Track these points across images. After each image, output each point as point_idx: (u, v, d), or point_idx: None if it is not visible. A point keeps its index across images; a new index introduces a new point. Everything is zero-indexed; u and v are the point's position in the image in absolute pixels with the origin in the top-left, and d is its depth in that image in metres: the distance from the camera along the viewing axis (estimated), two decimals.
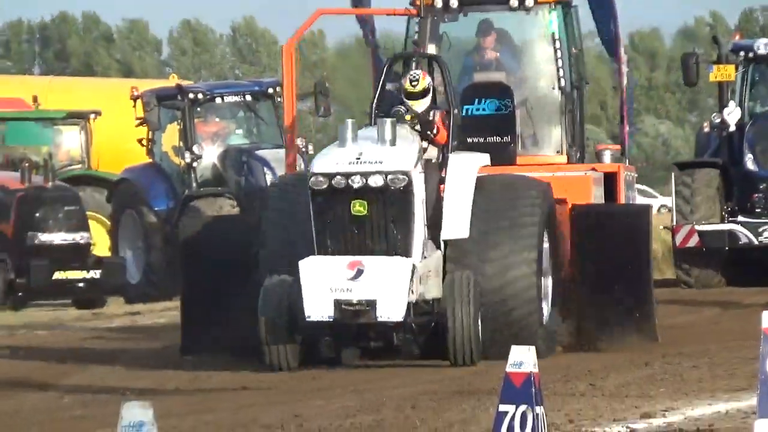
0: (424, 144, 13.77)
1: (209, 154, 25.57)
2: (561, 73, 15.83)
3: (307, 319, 12.44)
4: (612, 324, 14.24)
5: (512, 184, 14.17)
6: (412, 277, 12.40)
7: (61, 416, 10.65)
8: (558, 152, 15.97)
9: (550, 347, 13.70)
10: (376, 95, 14.29)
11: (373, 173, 12.74)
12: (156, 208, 25.45)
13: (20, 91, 32.15)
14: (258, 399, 11.19)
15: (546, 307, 14.14)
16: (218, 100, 25.98)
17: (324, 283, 12.47)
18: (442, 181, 13.66)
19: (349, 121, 13.13)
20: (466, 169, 13.86)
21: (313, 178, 12.94)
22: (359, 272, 12.51)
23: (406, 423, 9.08)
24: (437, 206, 13.60)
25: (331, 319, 12.49)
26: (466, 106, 15.66)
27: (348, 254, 12.69)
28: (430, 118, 13.92)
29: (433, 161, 13.78)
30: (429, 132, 13.83)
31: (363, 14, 16.78)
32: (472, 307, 12.57)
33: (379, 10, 16.86)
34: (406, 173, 12.81)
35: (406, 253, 12.78)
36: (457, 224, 13.50)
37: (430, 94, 14.01)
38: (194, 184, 24.85)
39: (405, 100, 13.93)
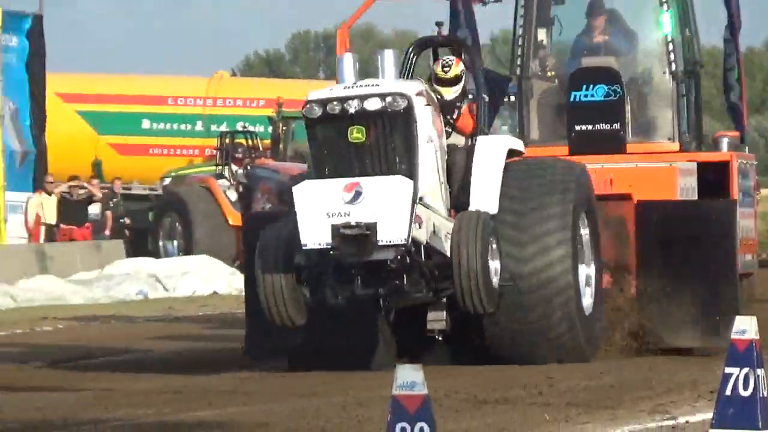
0: (447, 129, 13.51)
1: None
2: (673, 57, 15.46)
3: (303, 248, 11.96)
4: (682, 330, 13.92)
5: (542, 166, 13.92)
6: (414, 199, 11.96)
7: None
8: (670, 139, 15.58)
9: (595, 339, 13.44)
10: (408, 71, 13.97)
11: (370, 96, 12.33)
12: None
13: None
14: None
15: (589, 297, 13.68)
16: None
17: (320, 208, 12.02)
18: (470, 166, 13.34)
19: (349, 55, 12.95)
20: (494, 149, 13.47)
21: (307, 106, 12.52)
22: (357, 194, 12.03)
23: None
24: (465, 189, 13.25)
25: (329, 246, 11.93)
26: (574, 92, 15.49)
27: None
28: (458, 105, 13.71)
29: (460, 146, 13.55)
30: (450, 117, 13.57)
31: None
32: (479, 244, 12.04)
33: None
34: (405, 95, 12.36)
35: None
36: (484, 202, 13.11)
37: (462, 82, 13.79)
38: None
39: (435, 85, 13.66)
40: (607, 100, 15.27)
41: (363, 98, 12.26)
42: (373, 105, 12.19)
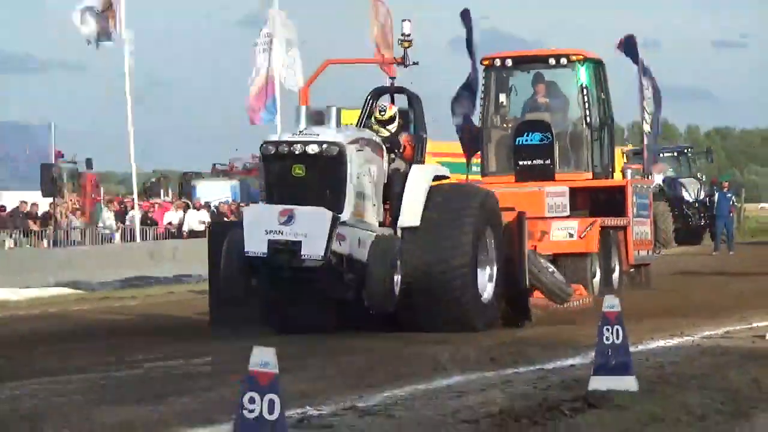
0: (393, 157, 15.86)
1: None
2: (587, 113, 19.64)
3: (246, 254, 14.13)
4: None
5: (458, 189, 16.58)
6: (333, 225, 13.99)
7: None
8: (585, 170, 19.69)
9: (487, 318, 15.62)
10: (362, 119, 16.54)
11: (311, 143, 14.47)
12: None
13: None
14: None
15: (490, 290, 15.88)
16: None
17: (260, 225, 14.22)
18: (404, 187, 15.69)
19: (303, 107, 15.31)
20: (422, 176, 15.91)
21: (264, 146, 14.88)
22: (290, 218, 14.13)
23: None
24: (398, 203, 15.64)
25: (265, 255, 14.12)
26: (518, 138, 19.58)
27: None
28: (399, 140, 16.05)
29: (401, 171, 15.82)
30: (397, 150, 16.05)
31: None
32: (388, 263, 14.29)
33: None
34: (338, 144, 14.48)
35: (337, 210, 14.35)
36: (411, 215, 15.50)
37: (396, 121, 16.24)
38: None
39: (376, 125, 16.22)
40: (541, 143, 19.42)
41: (305, 144, 14.53)
42: (312, 149, 14.48)
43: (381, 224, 15.51)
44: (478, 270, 15.74)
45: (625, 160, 36.70)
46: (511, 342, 14.33)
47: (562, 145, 19.89)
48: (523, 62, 20.48)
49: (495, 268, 15.99)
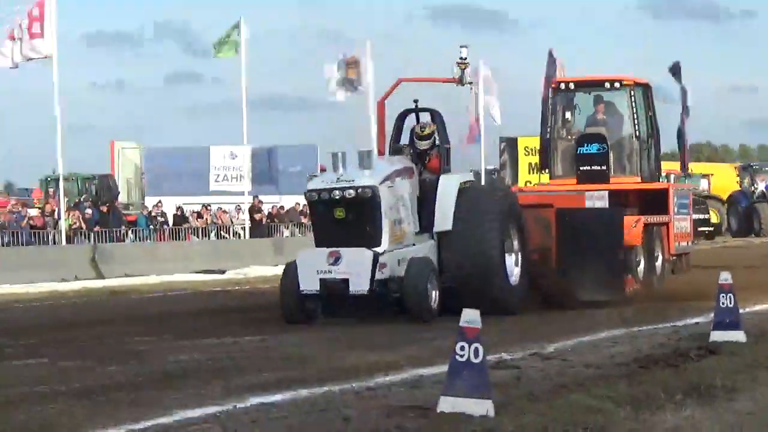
0: (421, 169, 17.40)
1: None
2: (636, 128, 22.37)
3: (301, 292, 15.80)
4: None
5: (482, 191, 18.40)
6: (375, 262, 15.50)
7: None
8: (635, 175, 22.46)
9: (514, 302, 17.09)
10: (392, 136, 18.22)
11: (348, 188, 15.90)
12: None
13: None
14: None
15: (516, 274, 17.44)
16: None
17: (313, 267, 15.83)
18: (434, 196, 17.11)
19: (339, 153, 16.32)
20: (450, 183, 17.24)
21: (308, 194, 16.50)
22: (337, 259, 15.72)
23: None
24: (431, 210, 17.06)
25: (317, 292, 15.84)
26: (580, 148, 22.17)
27: (333, 246, 15.85)
28: (430, 152, 17.58)
29: (428, 181, 17.27)
30: (424, 161, 17.56)
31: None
32: (421, 281, 15.67)
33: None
34: (371, 188, 15.86)
35: (375, 243, 15.86)
36: (444, 220, 16.95)
37: (432, 138, 17.69)
38: None
39: (415, 140, 17.74)
40: (598, 152, 22.05)
41: (342, 189, 15.92)
42: (349, 194, 15.89)
43: (418, 232, 17.01)
44: (506, 257, 17.19)
45: (737, 173, 53.13)
46: (635, 309, 17.07)
47: (615, 154, 22.39)
48: (584, 86, 23.15)
49: (520, 255, 17.57)
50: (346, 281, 15.55)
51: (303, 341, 14.21)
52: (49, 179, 44.80)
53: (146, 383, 10.70)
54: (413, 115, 18.29)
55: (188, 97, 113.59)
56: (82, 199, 40.67)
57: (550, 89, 23.39)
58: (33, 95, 76.75)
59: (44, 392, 10.13)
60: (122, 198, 47.25)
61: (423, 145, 17.68)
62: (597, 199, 20.37)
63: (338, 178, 16.09)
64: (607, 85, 22.62)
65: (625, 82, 22.50)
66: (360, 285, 15.48)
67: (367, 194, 15.82)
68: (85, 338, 15.22)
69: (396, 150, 17.89)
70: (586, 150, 22.35)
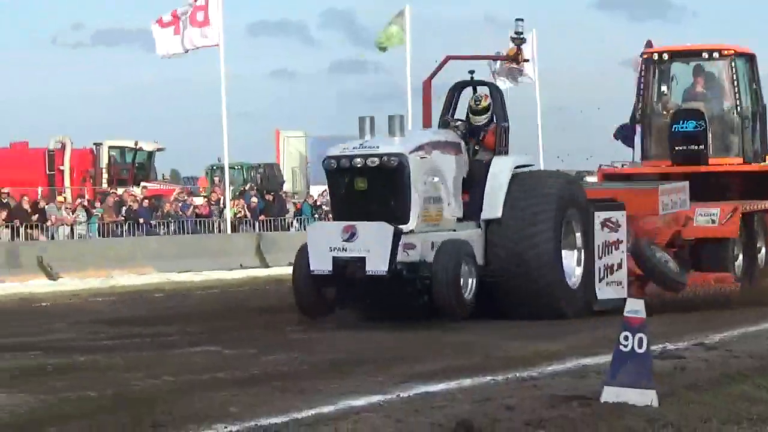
0: (477, 148, 15.79)
1: None
2: (738, 102, 20.23)
3: (312, 272, 14.17)
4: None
5: (537, 178, 16.10)
6: (396, 239, 13.79)
7: None
8: (737, 156, 20.34)
9: (577, 310, 15.43)
10: (447, 111, 16.43)
11: (371, 155, 14.24)
12: None
13: None
14: None
15: (577, 275, 15.72)
16: None
17: (325, 243, 14.13)
18: (485, 178, 15.45)
19: (367, 117, 14.67)
20: (504, 166, 15.56)
21: (326, 161, 14.69)
22: (352, 234, 13.95)
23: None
24: (480, 195, 15.38)
25: (330, 273, 14.09)
26: (674, 125, 20.07)
27: (354, 220, 14.10)
28: (486, 129, 15.93)
29: (482, 161, 15.65)
30: (478, 138, 15.88)
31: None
32: (452, 268, 13.94)
33: None
34: (398, 155, 14.20)
35: (402, 220, 14.15)
36: (492, 208, 15.22)
37: (489, 112, 15.95)
38: None
39: (470, 114, 16.05)
40: (695, 130, 19.91)
41: (366, 157, 14.23)
42: (372, 162, 14.23)
43: (461, 219, 15.42)
44: (565, 255, 15.59)
45: None
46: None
47: (715, 132, 20.48)
48: (681, 56, 21.28)
49: (583, 253, 15.82)
50: (362, 260, 13.88)
51: (466, 330, 14.12)
52: (214, 168, 46.01)
53: (310, 372, 10.88)
54: (470, 90, 16.78)
55: (353, 85, 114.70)
56: (247, 188, 41.61)
57: (642, 59, 21.45)
58: (199, 84, 78.75)
59: (210, 380, 10.35)
60: (287, 187, 48.16)
61: (479, 120, 16.08)
62: (673, 193, 18.39)
63: (361, 145, 14.51)
64: (705, 54, 20.80)
65: (725, 52, 20.71)
66: (378, 265, 13.79)
67: (393, 163, 14.23)
68: (250, 326, 15.41)
69: (444, 124, 16.25)
70: (682, 127, 20.48)
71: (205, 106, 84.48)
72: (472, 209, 15.47)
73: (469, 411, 8.39)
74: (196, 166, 60.26)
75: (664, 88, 21.24)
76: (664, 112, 21.04)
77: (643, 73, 21.29)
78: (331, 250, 14.01)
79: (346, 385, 9.81)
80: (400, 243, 13.84)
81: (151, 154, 44.58)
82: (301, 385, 9.93)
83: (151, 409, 8.55)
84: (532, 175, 16.16)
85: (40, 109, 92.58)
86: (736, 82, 20.52)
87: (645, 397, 8.34)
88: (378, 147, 14.35)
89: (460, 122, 16.12)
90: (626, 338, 8.35)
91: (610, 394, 8.46)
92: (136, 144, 43.43)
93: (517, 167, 15.82)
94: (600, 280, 15.88)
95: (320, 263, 14.07)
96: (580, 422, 7.95)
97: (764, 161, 21.18)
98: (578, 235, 15.77)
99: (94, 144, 43.06)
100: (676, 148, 20.48)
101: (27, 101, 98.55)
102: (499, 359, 11.41)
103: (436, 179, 14.85)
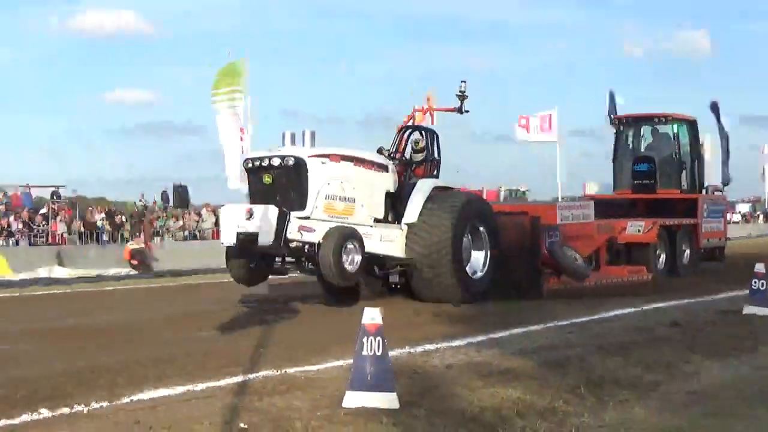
0: (411, 174, 18.83)
1: None
2: (678, 152, 27.22)
3: (221, 244, 16.26)
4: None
5: (447, 194, 18.83)
6: (281, 218, 15.59)
7: None
8: (676, 188, 27.04)
9: (476, 290, 18.48)
10: (394, 146, 19.50)
11: (274, 156, 16.39)
12: None
13: None
14: None
15: (478, 268, 18.80)
16: None
17: (232, 221, 16.03)
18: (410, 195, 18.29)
19: (285, 132, 16.86)
20: (424, 185, 18.60)
21: (245, 161, 17.00)
22: (251, 215, 15.81)
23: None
24: (404, 205, 18.25)
25: (233, 244, 16.08)
26: (635, 166, 26.98)
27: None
28: (420, 163, 19.13)
29: (409, 183, 18.59)
30: (410, 168, 19.01)
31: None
32: (334, 244, 15.82)
33: None
34: (296, 157, 16.26)
35: (300, 207, 16.16)
36: (411, 214, 18.15)
37: (425, 152, 19.27)
38: None
39: (412, 153, 19.26)
40: (648, 170, 27.05)
41: (270, 158, 16.41)
42: (274, 162, 16.37)
43: (381, 220, 18.03)
44: (474, 253, 18.81)
45: None
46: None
47: (661, 172, 27.23)
48: (642, 120, 28.21)
49: (487, 253, 18.95)
50: (255, 235, 15.74)
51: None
52: None
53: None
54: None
55: None
56: None
57: (616, 122, 28.44)
58: None
59: None
60: None
61: (417, 156, 19.33)
62: (571, 209, 22.33)
63: (270, 149, 16.76)
64: (657, 120, 27.79)
65: (671, 118, 27.50)
66: (266, 238, 15.61)
67: (290, 162, 16.30)
68: None
69: (377, 151, 19.03)
70: (639, 168, 27.49)
71: None
72: (399, 216, 18.25)
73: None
74: None
75: (630, 141, 28.09)
76: (629, 158, 27.78)
77: (616, 131, 28.21)
78: (237, 227, 15.97)
79: None
80: (297, 225, 15.90)
81: None
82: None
83: None
84: (446, 193, 18.84)
85: None
86: (677, 139, 27.13)
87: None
88: (281, 150, 16.60)
89: (398, 154, 19.35)
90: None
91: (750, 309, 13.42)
92: None
93: (438, 188, 18.75)
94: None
95: (227, 237, 16.09)
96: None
97: (699, 192, 27.55)
98: (486, 238, 18.96)
99: None
100: (635, 182, 27.31)
101: None
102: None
103: (344, 183, 16.97)
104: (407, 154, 19.49)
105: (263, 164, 16.56)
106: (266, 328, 15.32)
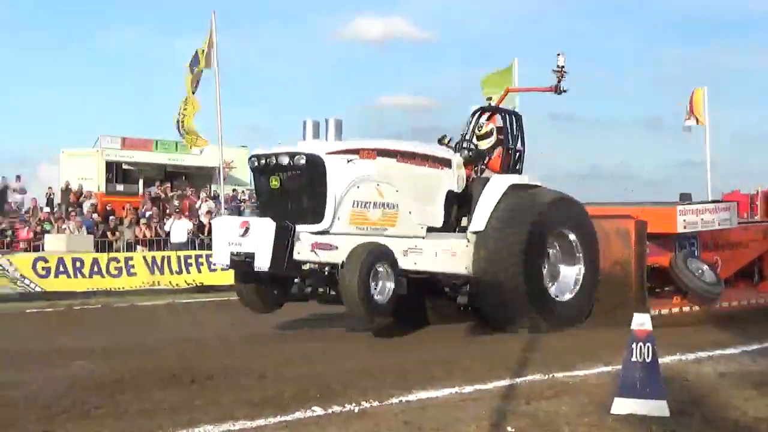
0: (483, 168, 15.95)
1: None
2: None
3: (213, 266, 15.06)
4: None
5: (525, 195, 15.64)
6: (281, 236, 12.88)
7: None
8: None
9: (561, 317, 15.33)
10: (468, 130, 16.48)
11: (282, 154, 13.62)
12: None
13: None
14: None
15: (559, 288, 15.60)
16: None
17: (224, 238, 13.54)
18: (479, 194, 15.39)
19: (309, 120, 13.98)
20: (499, 184, 15.48)
21: (250, 160, 14.22)
22: (246, 230, 13.30)
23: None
24: (472, 208, 15.31)
25: (227, 267, 13.73)
26: None
27: (273, 218, 13.22)
28: (491, 152, 16.13)
29: (481, 180, 15.73)
30: (481, 160, 16.07)
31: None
32: (359, 266, 12.93)
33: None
34: (310, 155, 13.43)
35: (316, 219, 13.35)
36: (478, 221, 15.09)
37: (493, 136, 16.17)
38: None
39: (476, 139, 16.32)
40: None
41: (278, 155, 13.61)
42: (282, 161, 13.60)
43: (442, 229, 15.18)
44: (564, 269, 15.83)
45: None
46: None
47: None
48: None
49: (582, 269, 15.79)
50: (252, 256, 13.30)
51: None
52: None
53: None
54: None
55: None
56: None
57: None
58: None
59: None
60: None
61: (482, 144, 16.41)
62: (701, 213, 17.97)
63: (280, 143, 14.53)
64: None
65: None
66: (263, 262, 13.14)
67: (301, 161, 13.65)
68: None
69: (438, 141, 16.25)
70: None
71: None
72: (468, 222, 15.48)
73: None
74: None
75: None
76: None
77: None
78: (229, 245, 13.61)
79: None
80: (310, 242, 13.29)
81: None
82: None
83: None
84: (519, 194, 15.71)
85: None
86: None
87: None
88: (295, 146, 13.91)
89: (466, 142, 16.35)
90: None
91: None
92: None
93: (518, 186, 15.79)
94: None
95: (220, 257, 13.75)
96: None
97: None
98: (579, 250, 15.88)
99: None
100: None
101: None
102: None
103: (383, 185, 14.12)
104: (475, 142, 16.58)
105: (270, 163, 13.92)
106: (534, 334, 14.96)
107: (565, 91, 17.19)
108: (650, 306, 15.79)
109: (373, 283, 13.17)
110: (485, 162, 16.08)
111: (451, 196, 15.27)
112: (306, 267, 13.43)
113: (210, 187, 40.28)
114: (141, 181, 40.86)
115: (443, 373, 11.27)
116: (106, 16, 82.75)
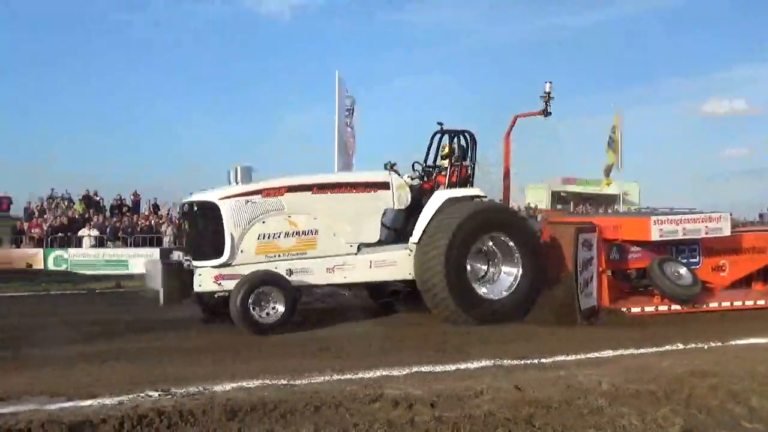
0: (437, 185, 16.85)
1: None
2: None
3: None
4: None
5: (457, 205, 16.39)
6: (166, 271, 14.64)
7: None
8: None
9: (491, 315, 15.75)
10: (427, 155, 17.61)
11: (187, 202, 15.54)
12: None
13: None
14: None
15: (499, 288, 16.23)
16: None
17: (152, 273, 15.14)
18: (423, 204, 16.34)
19: (237, 167, 15.41)
20: (440, 197, 16.49)
21: (178, 208, 17.14)
22: (147, 271, 15.47)
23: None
24: (414, 220, 16.26)
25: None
26: None
27: (189, 255, 15.23)
28: (443, 170, 17.10)
29: (422, 195, 16.60)
30: (431, 177, 17.20)
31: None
32: (239, 292, 14.44)
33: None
34: (202, 202, 15.18)
35: (216, 255, 14.93)
36: (417, 232, 16.08)
37: (451, 156, 17.22)
38: None
39: (440, 159, 17.43)
40: None
41: (184, 204, 15.75)
42: (186, 208, 15.57)
43: (383, 242, 16.16)
44: (504, 270, 16.44)
45: None
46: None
47: None
48: None
49: (519, 270, 16.36)
50: (157, 293, 14.91)
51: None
52: None
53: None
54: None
55: None
56: None
57: None
58: None
59: None
60: None
61: (443, 163, 17.47)
62: (682, 222, 18.16)
63: (191, 193, 15.97)
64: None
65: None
66: (164, 297, 14.81)
67: (203, 208, 15.30)
68: None
69: (384, 167, 17.01)
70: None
71: None
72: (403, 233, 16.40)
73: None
74: None
75: None
76: None
77: None
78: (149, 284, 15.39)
79: None
80: (212, 275, 14.89)
81: None
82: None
83: None
84: (451, 204, 16.56)
85: None
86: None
87: None
88: (199, 195, 15.53)
89: (416, 163, 17.60)
90: None
91: None
92: None
93: (453, 198, 16.55)
94: (581, 292, 16.26)
95: (153, 287, 15.12)
96: None
97: None
98: (517, 253, 16.43)
99: None
100: None
101: None
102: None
103: (296, 216, 15.45)
104: (439, 162, 17.78)
105: (184, 210, 15.97)
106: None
107: (549, 114, 18.48)
108: (622, 306, 17.14)
109: (256, 306, 14.66)
110: (434, 177, 17.36)
111: (397, 212, 16.47)
112: (218, 296, 15.18)
113: None
114: None
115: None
116: None
